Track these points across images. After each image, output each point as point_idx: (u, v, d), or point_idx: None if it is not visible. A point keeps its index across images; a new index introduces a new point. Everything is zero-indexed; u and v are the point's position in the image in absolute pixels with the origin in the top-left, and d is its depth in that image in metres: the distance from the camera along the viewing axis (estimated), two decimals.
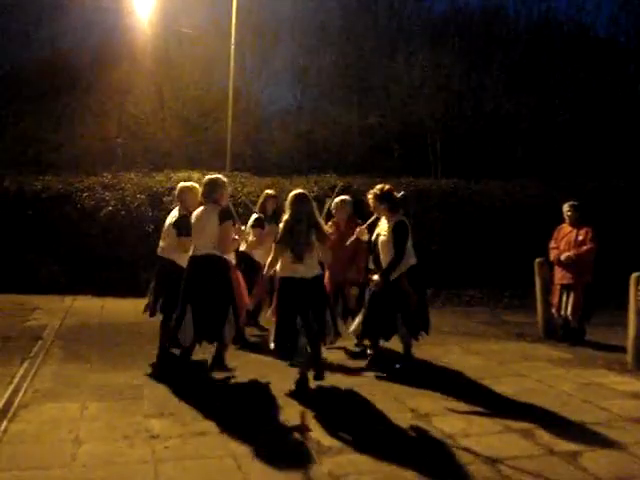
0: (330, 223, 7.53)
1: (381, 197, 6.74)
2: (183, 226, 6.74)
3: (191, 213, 6.62)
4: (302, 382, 5.97)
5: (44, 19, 23.12)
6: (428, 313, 6.96)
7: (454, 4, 30.02)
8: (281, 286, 6.05)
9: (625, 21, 27.23)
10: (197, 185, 7.09)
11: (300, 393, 5.89)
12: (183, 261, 6.62)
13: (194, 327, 6.19)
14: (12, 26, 22.40)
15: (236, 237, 6.54)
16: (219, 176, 6.70)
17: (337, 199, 7.73)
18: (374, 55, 26.92)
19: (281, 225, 5.98)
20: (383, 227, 6.77)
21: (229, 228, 6.28)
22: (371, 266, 6.99)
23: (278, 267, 6.07)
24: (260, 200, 8.59)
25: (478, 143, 23.81)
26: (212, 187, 6.43)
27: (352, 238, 7.18)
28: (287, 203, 6.03)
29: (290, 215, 5.92)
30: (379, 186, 6.85)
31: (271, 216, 8.36)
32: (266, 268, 6.21)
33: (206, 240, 6.27)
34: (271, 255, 6.06)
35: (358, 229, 7.12)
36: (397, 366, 6.84)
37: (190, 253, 6.42)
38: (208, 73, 25.22)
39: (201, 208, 6.49)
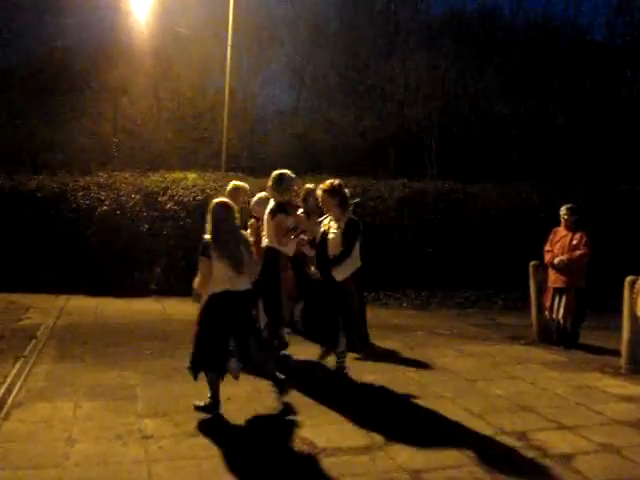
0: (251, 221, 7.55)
1: (332, 191, 6.40)
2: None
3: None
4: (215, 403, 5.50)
5: (41, 18, 23.07)
6: (365, 324, 6.72)
7: (451, 7, 30.07)
8: (213, 302, 5.39)
9: (621, 25, 27.31)
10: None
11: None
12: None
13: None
14: (9, 25, 22.34)
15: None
16: (286, 171, 7.06)
17: (256, 197, 7.62)
18: (370, 56, 26.93)
19: (207, 236, 5.40)
20: (332, 225, 6.47)
21: (279, 221, 6.68)
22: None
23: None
24: (302, 195, 8.18)
25: (474, 145, 23.81)
26: (278, 181, 6.89)
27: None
28: (210, 212, 5.48)
29: (216, 225, 5.40)
30: (329, 181, 6.55)
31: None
32: (199, 288, 5.46)
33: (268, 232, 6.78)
34: (200, 274, 5.42)
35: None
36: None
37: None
38: (204, 73, 25.20)
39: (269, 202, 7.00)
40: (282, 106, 29.10)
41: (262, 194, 7.81)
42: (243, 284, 5.47)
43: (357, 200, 7.27)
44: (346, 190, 6.56)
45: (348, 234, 6.31)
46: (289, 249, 6.88)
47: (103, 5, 22.77)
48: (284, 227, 6.73)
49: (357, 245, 6.39)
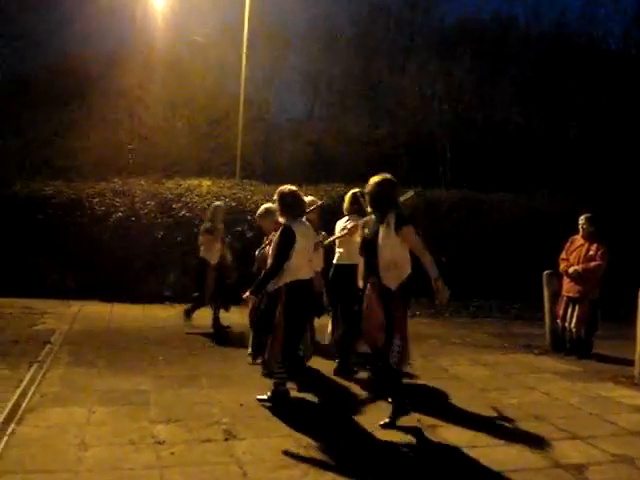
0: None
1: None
2: None
3: None
4: None
5: (58, 25, 23.28)
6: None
7: (465, 15, 30.10)
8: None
9: (637, 35, 27.22)
10: None
11: None
12: None
13: None
14: (27, 32, 22.55)
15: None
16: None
17: (262, 207, 7.32)
18: (385, 65, 26.98)
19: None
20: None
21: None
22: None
23: None
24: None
25: (488, 154, 23.80)
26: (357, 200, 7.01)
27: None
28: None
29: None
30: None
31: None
32: None
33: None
34: None
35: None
36: None
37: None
38: (219, 81, 25.33)
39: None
40: (296, 114, 29.25)
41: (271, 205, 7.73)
42: None
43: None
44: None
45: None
46: None
47: (119, 13, 22.98)
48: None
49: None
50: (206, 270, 8.92)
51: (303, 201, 6.02)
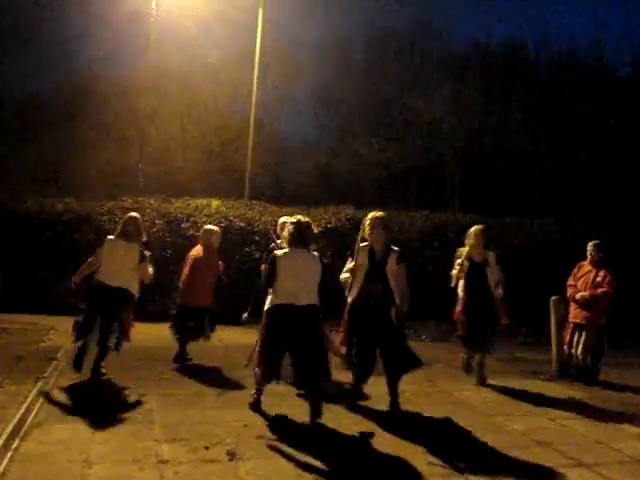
0: None
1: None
2: None
3: None
4: None
5: (72, 46, 23.57)
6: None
7: (475, 40, 30.29)
8: None
9: None
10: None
11: None
12: None
13: None
14: (41, 52, 22.85)
15: None
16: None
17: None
18: (395, 89, 27.14)
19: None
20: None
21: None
22: None
23: None
24: None
25: (496, 179, 23.86)
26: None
27: None
28: None
29: None
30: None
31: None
32: None
33: None
34: None
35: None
36: None
37: None
38: (230, 102, 25.53)
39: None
40: (306, 136, 29.44)
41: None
42: None
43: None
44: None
45: None
46: None
47: (133, 34, 23.23)
48: None
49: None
50: None
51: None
